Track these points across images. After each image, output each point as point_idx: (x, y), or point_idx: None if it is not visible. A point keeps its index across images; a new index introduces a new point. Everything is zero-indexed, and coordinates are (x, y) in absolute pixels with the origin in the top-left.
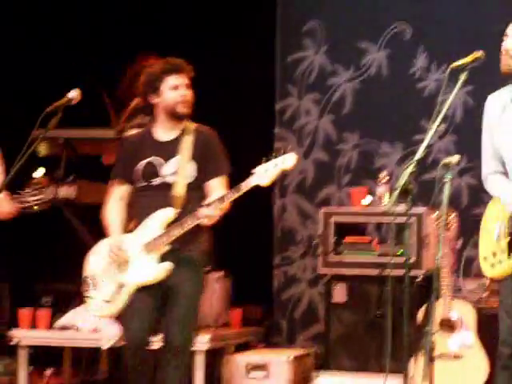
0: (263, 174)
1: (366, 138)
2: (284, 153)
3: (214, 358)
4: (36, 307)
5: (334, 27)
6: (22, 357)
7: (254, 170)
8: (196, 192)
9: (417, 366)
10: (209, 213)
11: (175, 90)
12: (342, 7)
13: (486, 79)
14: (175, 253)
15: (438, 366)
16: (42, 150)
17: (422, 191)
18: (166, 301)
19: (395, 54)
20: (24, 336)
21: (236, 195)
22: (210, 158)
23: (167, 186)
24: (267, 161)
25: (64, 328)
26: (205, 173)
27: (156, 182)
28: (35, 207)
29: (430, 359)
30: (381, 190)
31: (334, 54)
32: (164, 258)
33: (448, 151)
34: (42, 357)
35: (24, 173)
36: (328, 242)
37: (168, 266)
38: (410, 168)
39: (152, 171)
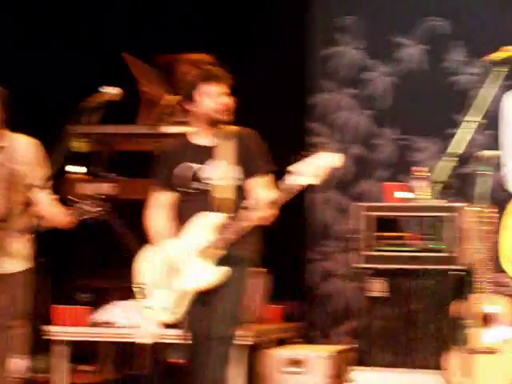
0: (308, 173)
1: (403, 133)
2: (323, 150)
3: (253, 353)
4: (74, 304)
5: (370, 21)
6: (59, 353)
7: (291, 168)
8: (242, 195)
9: (451, 360)
10: (257, 215)
11: (211, 98)
12: (378, 1)
13: None
14: (226, 253)
15: (473, 361)
16: (80, 146)
17: (459, 185)
18: (211, 295)
19: (431, 48)
20: (60, 332)
21: (286, 195)
22: (251, 159)
23: (209, 191)
24: (305, 157)
25: (102, 324)
26: (246, 173)
27: (197, 186)
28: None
29: (468, 353)
30: (416, 184)
31: (370, 48)
32: (217, 260)
33: (486, 145)
34: (80, 353)
35: (59, 167)
36: (364, 236)
37: (226, 271)
38: (449, 162)
39: (193, 176)
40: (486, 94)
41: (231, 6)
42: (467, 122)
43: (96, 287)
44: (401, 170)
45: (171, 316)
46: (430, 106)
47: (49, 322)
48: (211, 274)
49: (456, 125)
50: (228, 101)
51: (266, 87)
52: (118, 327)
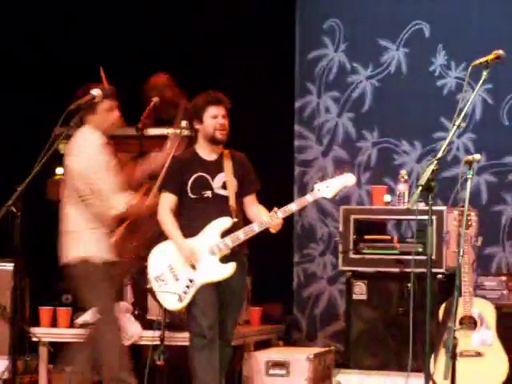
0: (325, 189)
1: (386, 136)
2: (342, 173)
3: (234, 354)
4: (56, 305)
5: (353, 25)
6: (43, 354)
7: (315, 186)
8: (239, 203)
9: (437, 363)
10: (278, 222)
11: (214, 119)
12: (361, 5)
13: (505, 77)
14: (230, 254)
15: (458, 364)
16: (63, 147)
17: (441, 189)
18: (223, 296)
19: (414, 52)
20: (44, 333)
21: (301, 207)
22: (247, 178)
23: (217, 198)
24: (325, 179)
25: (84, 325)
26: (243, 189)
27: (207, 194)
28: None
29: (453, 356)
30: (401, 187)
31: (353, 52)
32: (223, 258)
33: (467, 149)
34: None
35: (46, 170)
36: (348, 239)
37: (234, 266)
38: (432, 166)
39: (203, 185)
40: (472, 98)
41: (220, 11)
42: (454, 125)
43: None
44: (385, 173)
45: (180, 304)
46: (413, 110)
47: (31, 324)
48: (222, 269)
49: (439, 128)
50: (226, 122)
51: (254, 90)
52: None
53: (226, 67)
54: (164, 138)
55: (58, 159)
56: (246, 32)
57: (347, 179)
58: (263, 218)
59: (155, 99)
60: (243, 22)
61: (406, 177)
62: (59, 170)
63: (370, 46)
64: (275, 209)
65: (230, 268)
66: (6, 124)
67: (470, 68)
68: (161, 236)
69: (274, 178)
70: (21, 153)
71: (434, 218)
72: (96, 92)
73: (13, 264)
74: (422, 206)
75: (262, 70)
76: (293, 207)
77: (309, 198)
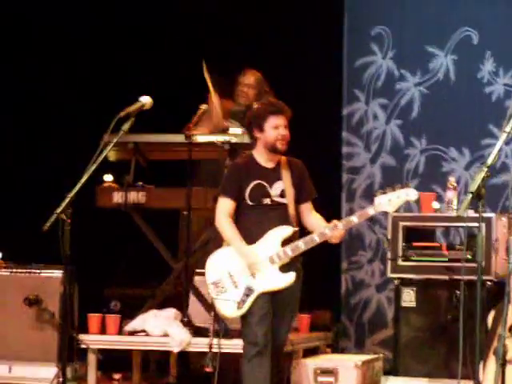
0: (387, 203)
1: (434, 143)
2: (405, 187)
3: (283, 362)
4: (105, 312)
5: (401, 32)
6: (92, 361)
7: (376, 198)
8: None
9: (486, 370)
10: (339, 234)
11: (276, 129)
12: (410, 12)
13: None
14: (289, 263)
15: (508, 371)
16: (112, 154)
17: (489, 196)
18: (278, 304)
19: (462, 59)
20: (93, 340)
21: (362, 220)
22: (304, 185)
23: (276, 206)
24: (386, 192)
25: (133, 332)
26: (299, 196)
27: (266, 201)
28: None
29: (503, 363)
30: (450, 194)
31: (401, 58)
32: (281, 267)
33: None
34: (111, 362)
35: (95, 177)
36: (397, 246)
37: (294, 276)
38: (482, 173)
39: (262, 192)
40: None
41: (268, 17)
42: (504, 132)
43: (127, 295)
44: (433, 180)
45: (238, 312)
46: (462, 117)
47: (79, 331)
48: (282, 278)
49: (488, 135)
50: (287, 132)
51: (302, 96)
52: (152, 336)
53: (275, 74)
54: (212, 145)
55: (107, 166)
56: (294, 39)
57: (409, 194)
58: (325, 230)
59: (204, 106)
60: (291, 30)
61: (454, 184)
62: (108, 178)
63: (418, 52)
64: (335, 220)
65: (290, 278)
66: (54, 132)
67: None
68: (208, 243)
69: (322, 185)
70: (70, 160)
71: (483, 225)
72: (145, 99)
73: (62, 271)
74: (471, 213)
75: (310, 77)
76: (354, 219)
77: (370, 211)
